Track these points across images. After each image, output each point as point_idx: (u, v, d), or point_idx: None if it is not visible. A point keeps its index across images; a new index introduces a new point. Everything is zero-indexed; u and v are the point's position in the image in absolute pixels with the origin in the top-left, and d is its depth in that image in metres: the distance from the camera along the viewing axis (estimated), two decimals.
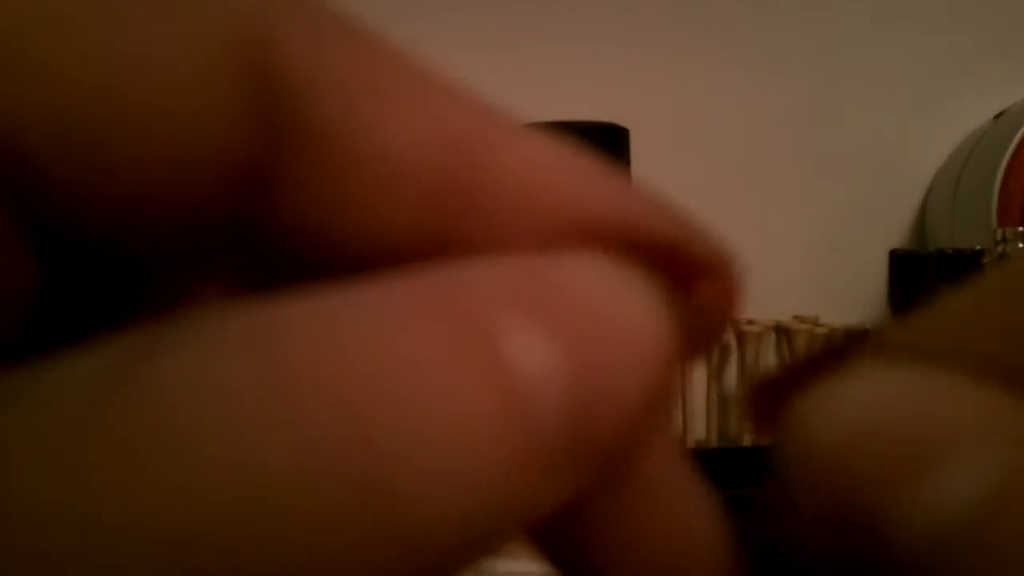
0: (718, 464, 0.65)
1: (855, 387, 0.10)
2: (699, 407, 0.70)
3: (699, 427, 0.70)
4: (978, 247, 0.63)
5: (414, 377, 0.07)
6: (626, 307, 0.08)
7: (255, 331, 0.07)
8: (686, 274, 0.10)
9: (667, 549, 0.10)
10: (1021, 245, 0.64)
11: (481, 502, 0.07)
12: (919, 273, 0.63)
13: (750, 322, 0.69)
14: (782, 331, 0.70)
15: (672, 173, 0.76)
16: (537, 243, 0.09)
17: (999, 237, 0.65)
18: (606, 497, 0.10)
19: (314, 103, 0.09)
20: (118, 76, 0.08)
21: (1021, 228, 0.65)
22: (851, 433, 0.09)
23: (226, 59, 0.09)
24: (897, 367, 0.10)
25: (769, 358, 0.70)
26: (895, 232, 0.79)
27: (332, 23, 0.10)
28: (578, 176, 0.10)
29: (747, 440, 0.69)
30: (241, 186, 0.09)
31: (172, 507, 0.06)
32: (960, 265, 0.62)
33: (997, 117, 0.73)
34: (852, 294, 0.77)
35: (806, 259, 0.78)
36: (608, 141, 0.57)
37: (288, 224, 0.09)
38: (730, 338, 0.71)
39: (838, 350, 0.10)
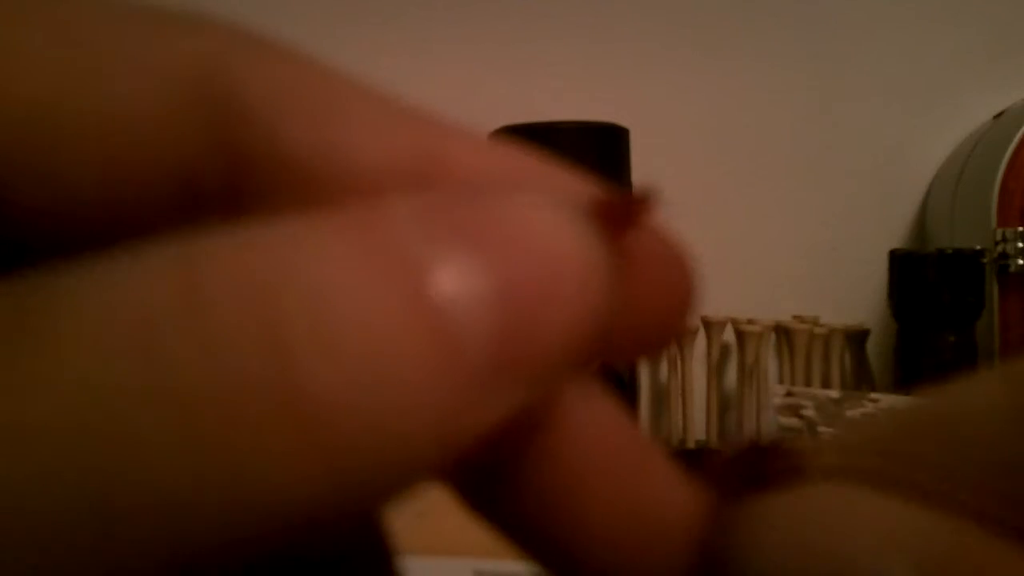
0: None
1: (789, 507, 0.10)
2: (699, 407, 0.70)
3: (699, 427, 0.70)
4: (978, 247, 0.63)
5: (335, 300, 0.07)
6: (558, 236, 0.08)
7: (174, 258, 0.07)
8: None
9: (601, 499, 0.10)
10: (1021, 245, 0.64)
11: (405, 419, 0.07)
12: (919, 273, 0.63)
13: (750, 322, 0.69)
14: (782, 331, 0.69)
15: (672, 173, 0.76)
16: None
17: (999, 237, 0.65)
18: (532, 436, 0.10)
19: (279, 127, 0.09)
20: (69, 93, 0.09)
21: (1021, 228, 0.65)
22: (783, 556, 0.09)
23: (181, 86, 0.09)
24: (830, 486, 0.10)
25: (769, 358, 0.70)
26: (895, 232, 0.79)
27: (287, 56, 0.10)
28: (536, 174, 0.11)
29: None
30: (198, 204, 0.09)
31: (84, 427, 0.06)
32: (960, 265, 0.62)
33: (997, 117, 0.73)
34: (852, 294, 0.77)
35: (806, 259, 0.78)
36: (608, 141, 0.57)
37: None
38: (730, 338, 0.71)
39: (781, 454, 0.10)
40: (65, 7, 0.09)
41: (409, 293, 0.07)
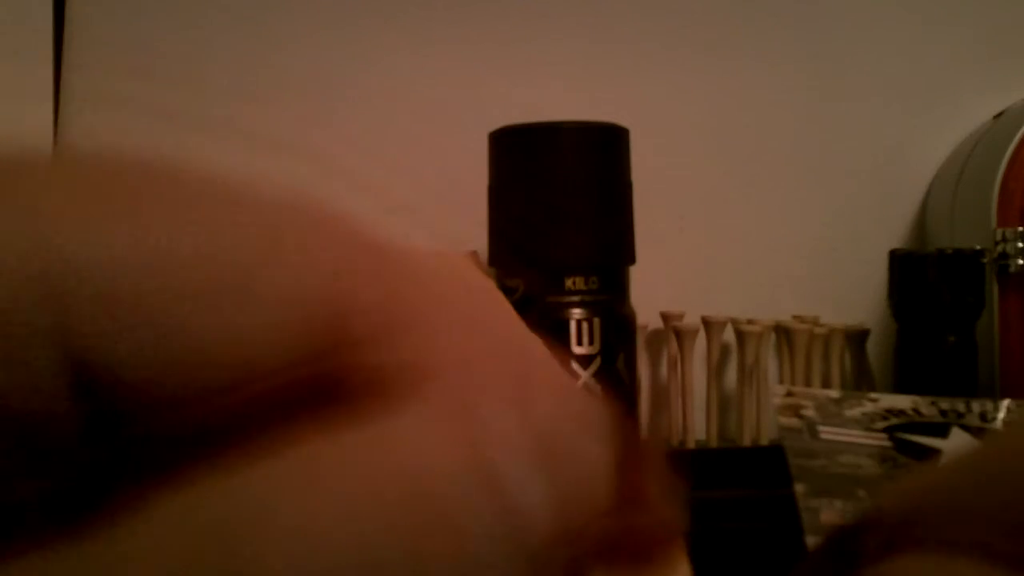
0: (718, 464, 0.65)
1: None
2: (699, 407, 0.70)
3: (699, 427, 0.70)
4: (978, 247, 0.63)
5: None
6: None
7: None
8: None
9: None
10: (1021, 245, 0.64)
11: None
12: (919, 273, 0.63)
13: (750, 322, 0.69)
14: (782, 331, 0.69)
15: (672, 173, 0.76)
16: None
17: (999, 237, 0.65)
18: None
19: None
20: (212, 345, 0.10)
21: (1021, 228, 0.65)
22: None
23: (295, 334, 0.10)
24: (917, 559, 0.11)
25: (769, 358, 0.70)
26: (895, 232, 0.79)
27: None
28: None
29: (747, 440, 0.69)
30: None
31: None
32: (960, 265, 0.62)
33: (997, 117, 0.73)
34: (852, 294, 0.77)
35: (806, 259, 0.78)
36: (608, 141, 0.57)
37: None
38: (730, 338, 0.71)
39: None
40: (177, 183, 0.10)
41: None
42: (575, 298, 0.55)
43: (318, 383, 0.10)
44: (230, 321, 0.10)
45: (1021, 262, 0.64)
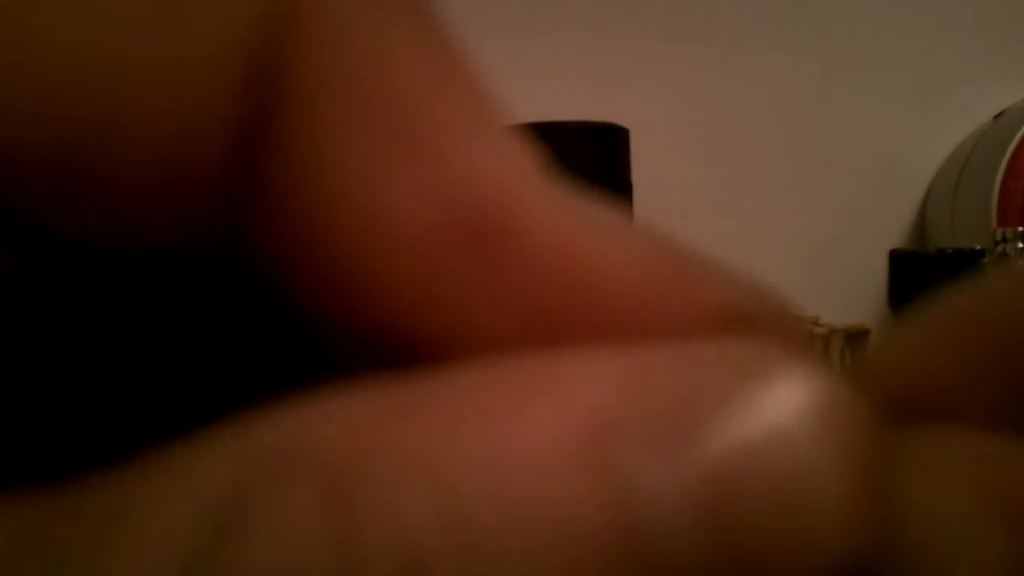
0: None
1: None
2: None
3: None
4: (978, 247, 0.63)
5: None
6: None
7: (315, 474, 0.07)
8: None
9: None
10: (1021, 245, 0.64)
11: None
12: (919, 273, 0.63)
13: None
14: None
15: (672, 173, 0.76)
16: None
17: (999, 237, 0.65)
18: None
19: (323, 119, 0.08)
20: (118, 77, 0.08)
21: (1021, 228, 0.65)
22: None
23: (245, 33, 0.08)
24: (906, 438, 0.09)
25: None
26: (895, 232, 0.79)
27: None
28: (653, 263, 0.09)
29: None
30: (228, 184, 0.08)
31: None
32: (960, 265, 0.62)
33: (997, 117, 0.73)
34: (852, 294, 0.77)
35: (806, 259, 0.78)
36: (608, 141, 0.57)
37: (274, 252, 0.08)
38: None
39: None
40: None
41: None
42: None
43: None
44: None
45: (1021, 262, 0.64)
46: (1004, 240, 0.65)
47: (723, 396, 0.07)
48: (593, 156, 0.56)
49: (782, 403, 0.07)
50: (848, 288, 0.77)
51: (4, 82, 0.07)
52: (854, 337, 0.72)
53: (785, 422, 0.07)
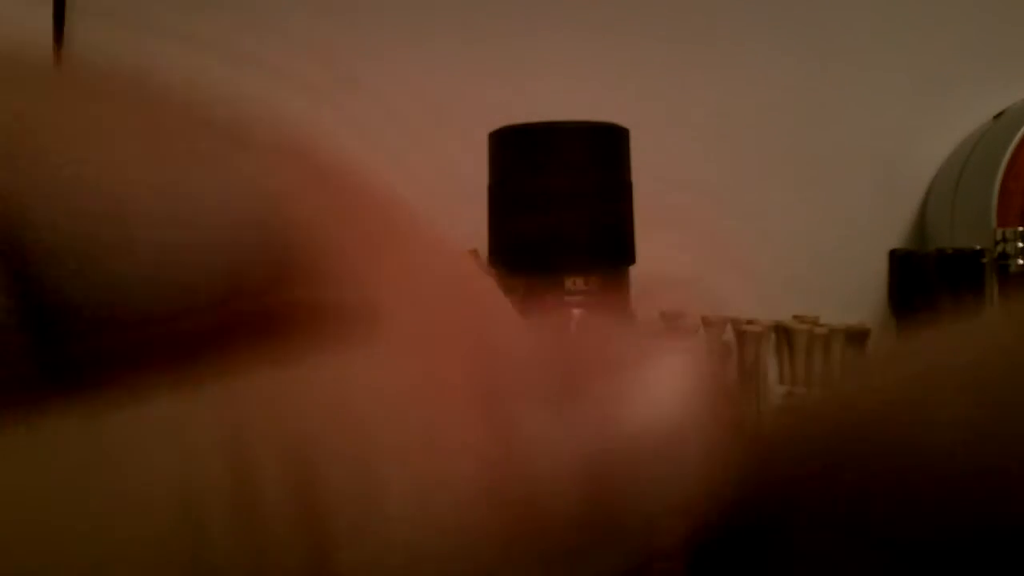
0: None
1: None
2: None
3: None
4: (978, 247, 0.63)
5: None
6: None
7: (218, 408, 0.07)
8: None
9: None
10: (1021, 245, 0.64)
11: None
12: (919, 273, 0.63)
13: (750, 322, 0.69)
14: (782, 331, 0.69)
15: (672, 173, 0.76)
16: None
17: (999, 237, 0.65)
18: None
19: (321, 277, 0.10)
20: (148, 195, 0.09)
21: (1021, 228, 0.65)
22: None
23: (247, 215, 0.10)
24: None
25: (769, 358, 0.70)
26: (895, 232, 0.79)
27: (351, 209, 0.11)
28: None
29: None
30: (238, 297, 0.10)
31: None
32: (960, 265, 0.62)
33: (997, 117, 0.73)
34: (852, 294, 0.77)
35: (806, 259, 0.78)
36: (608, 141, 0.57)
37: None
38: (730, 338, 0.71)
39: None
40: (155, 111, 0.10)
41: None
42: (575, 298, 0.55)
43: (259, 320, 0.10)
44: (167, 241, 0.09)
45: (1021, 262, 0.64)
46: (1004, 240, 0.65)
47: (610, 362, 0.08)
48: (593, 156, 0.56)
49: (660, 375, 0.08)
50: (848, 288, 0.77)
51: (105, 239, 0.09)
52: (854, 337, 0.72)
53: (660, 392, 0.08)
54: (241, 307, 0.10)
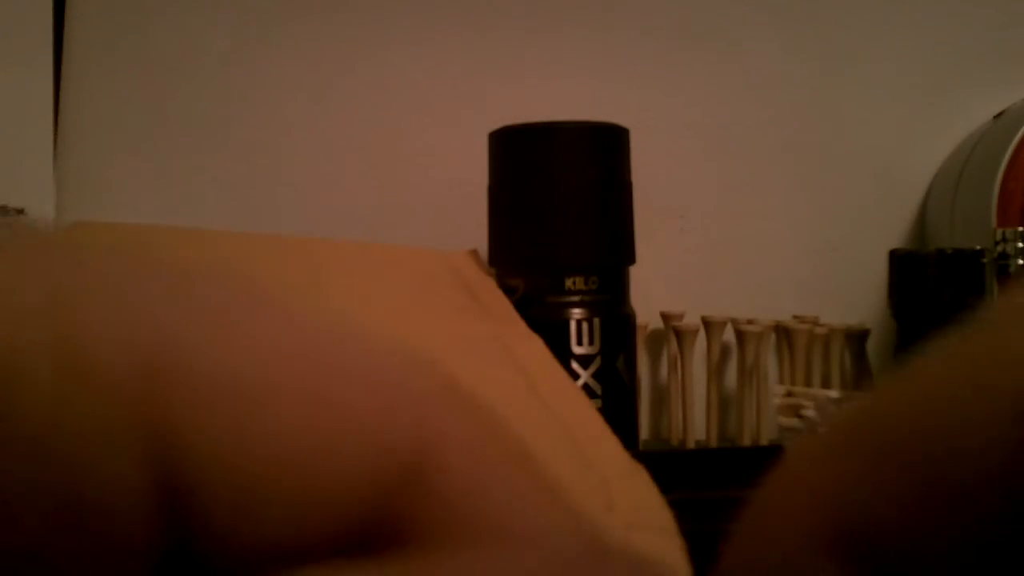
0: (718, 464, 0.65)
1: None
2: (699, 407, 0.70)
3: (699, 427, 0.70)
4: (978, 247, 0.63)
5: None
6: None
7: None
8: None
9: None
10: (1021, 245, 0.64)
11: None
12: (919, 273, 0.63)
13: (750, 322, 0.69)
14: (782, 331, 0.69)
15: (672, 173, 0.76)
16: None
17: (999, 237, 0.65)
18: None
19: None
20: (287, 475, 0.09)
21: (1021, 228, 0.65)
22: None
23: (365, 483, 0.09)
24: None
25: (769, 358, 0.70)
26: (895, 232, 0.79)
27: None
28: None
29: (747, 440, 0.69)
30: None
31: None
32: (960, 265, 0.62)
33: (997, 117, 0.73)
34: (852, 294, 0.77)
35: (806, 259, 0.78)
36: (608, 141, 0.57)
37: None
38: (730, 338, 0.71)
39: None
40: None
41: None
42: (575, 298, 0.55)
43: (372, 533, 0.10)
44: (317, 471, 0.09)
45: (1021, 262, 0.64)
46: (1004, 240, 0.65)
47: None
48: (593, 156, 0.56)
49: None
50: (848, 288, 0.77)
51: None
52: (854, 337, 0.72)
53: None
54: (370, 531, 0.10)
